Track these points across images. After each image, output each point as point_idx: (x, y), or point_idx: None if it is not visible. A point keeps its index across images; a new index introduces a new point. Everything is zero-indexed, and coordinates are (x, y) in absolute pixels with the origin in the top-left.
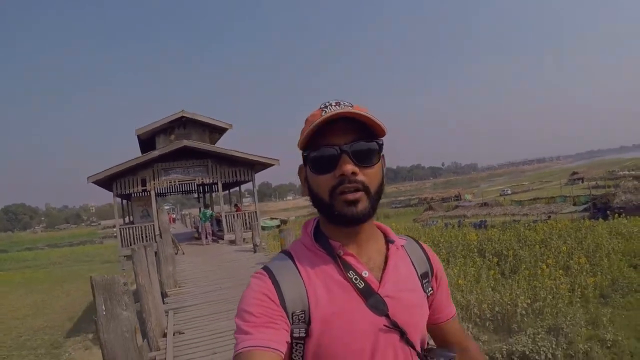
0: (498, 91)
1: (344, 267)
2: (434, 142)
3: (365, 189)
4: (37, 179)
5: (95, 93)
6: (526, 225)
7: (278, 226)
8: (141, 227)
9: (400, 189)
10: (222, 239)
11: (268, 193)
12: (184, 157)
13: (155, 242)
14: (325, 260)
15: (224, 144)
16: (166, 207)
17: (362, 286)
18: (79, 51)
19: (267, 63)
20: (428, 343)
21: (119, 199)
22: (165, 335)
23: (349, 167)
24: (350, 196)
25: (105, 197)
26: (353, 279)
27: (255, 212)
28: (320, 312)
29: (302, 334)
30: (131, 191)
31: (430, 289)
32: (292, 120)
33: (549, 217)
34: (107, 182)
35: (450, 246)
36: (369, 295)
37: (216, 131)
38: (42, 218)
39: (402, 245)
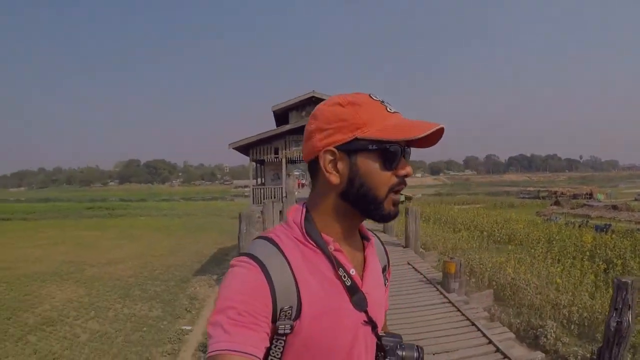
0: None
1: (336, 264)
2: (575, 131)
3: None
4: (178, 138)
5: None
6: None
7: (402, 202)
8: (271, 189)
9: (532, 178)
10: None
11: None
12: None
13: (282, 202)
14: (316, 255)
15: None
16: (296, 173)
17: (349, 284)
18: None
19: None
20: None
21: (254, 163)
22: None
23: (410, 170)
24: (399, 196)
25: (239, 159)
26: (342, 276)
27: None
28: (311, 309)
29: (287, 331)
30: (265, 157)
31: (385, 281)
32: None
33: None
34: (244, 148)
35: (563, 245)
36: (354, 293)
37: None
38: (180, 174)
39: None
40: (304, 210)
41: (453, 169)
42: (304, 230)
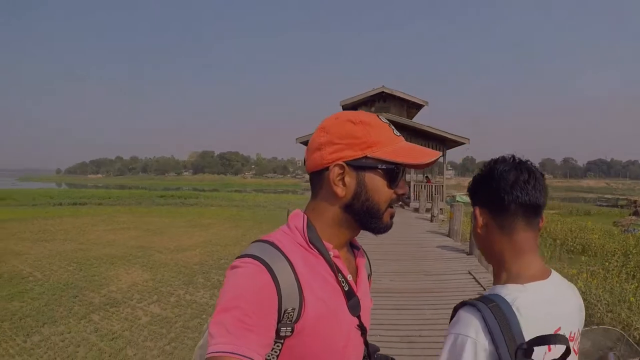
0: None
1: (336, 269)
2: None
3: None
4: (252, 131)
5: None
6: None
7: None
8: None
9: (611, 185)
10: (408, 205)
11: (471, 169)
12: None
13: None
14: (318, 260)
15: (420, 120)
16: None
17: (347, 289)
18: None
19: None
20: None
21: None
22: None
23: (407, 189)
24: (394, 211)
25: None
26: (341, 282)
27: (442, 185)
28: (313, 311)
29: (288, 333)
30: None
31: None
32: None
33: None
34: None
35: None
36: (350, 297)
37: (413, 107)
38: (252, 166)
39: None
40: (305, 217)
41: None
42: (306, 235)
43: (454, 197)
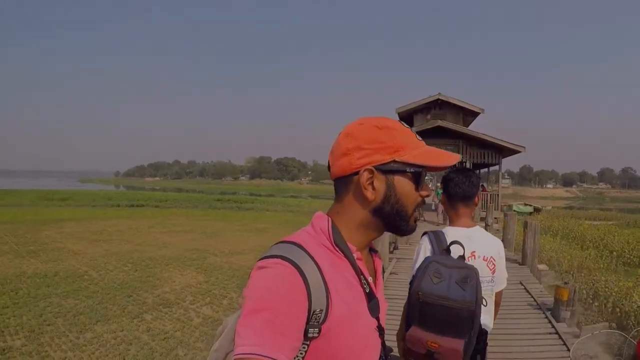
0: None
1: (359, 271)
2: None
3: None
4: (310, 137)
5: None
6: None
7: (530, 213)
8: None
9: None
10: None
11: (528, 178)
12: (438, 135)
13: None
14: (342, 262)
15: (475, 127)
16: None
17: (368, 291)
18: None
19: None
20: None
21: None
22: (384, 271)
23: (430, 191)
24: (417, 214)
25: None
26: (363, 284)
27: (497, 194)
28: (338, 313)
29: (315, 334)
30: None
31: None
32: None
33: None
34: None
35: None
36: (370, 299)
37: (469, 114)
38: (309, 172)
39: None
40: (330, 219)
41: (587, 181)
42: (331, 237)
43: (510, 206)
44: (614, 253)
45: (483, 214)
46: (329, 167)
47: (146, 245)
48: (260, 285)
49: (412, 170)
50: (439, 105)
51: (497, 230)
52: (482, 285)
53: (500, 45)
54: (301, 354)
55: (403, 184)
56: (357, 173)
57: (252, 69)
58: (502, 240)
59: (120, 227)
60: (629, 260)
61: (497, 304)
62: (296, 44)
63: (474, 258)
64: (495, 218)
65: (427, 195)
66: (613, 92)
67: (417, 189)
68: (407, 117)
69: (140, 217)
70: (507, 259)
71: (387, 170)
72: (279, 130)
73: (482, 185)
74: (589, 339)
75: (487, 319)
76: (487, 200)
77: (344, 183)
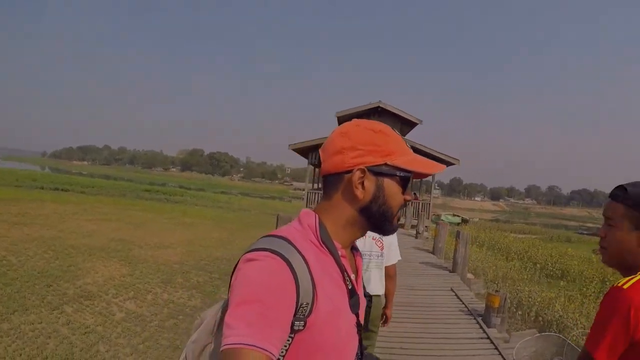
0: None
1: (343, 268)
2: None
3: None
4: (245, 133)
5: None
6: None
7: (458, 224)
8: None
9: (593, 214)
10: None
11: (458, 189)
12: None
13: None
14: (327, 258)
15: (413, 138)
16: None
17: (350, 287)
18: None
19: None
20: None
21: (311, 167)
22: None
23: (412, 195)
24: (400, 214)
25: (301, 161)
26: (347, 280)
27: (429, 203)
28: (323, 307)
29: (301, 327)
30: None
31: None
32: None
33: None
34: (304, 151)
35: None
36: (352, 295)
37: (407, 124)
38: (241, 169)
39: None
40: (317, 216)
41: (514, 196)
42: (318, 234)
43: (439, 216)
44: (538, 265)
45: (414, 222)
46: (319, 163)
47: (69, 232)
48: (250, 277)
49: (401, 174)
50: (379, 113)
51: (427, 238)
52: (372, 258)
53: (434, 56)
54: (285, 346)
55: (391, 187)
56: (348, 172)
57: (197, 59)
58: (433, 248)
59: (44, 210)
60: (551, 273)
61: (393, 276)
62: (243, 36)
63: (366, 237)
64: (426, 227)
65: (410, 200)
66: (544, 114)
67: (402, 192)
68: (347, 121)
69: (66, 202)
70: (440, 266)
71: (378, 172)
72: (214, 123)
73: (415, 194)
74: (529, 342)
75: (377, 285)
76: (418, 209)
77: (334, 180)
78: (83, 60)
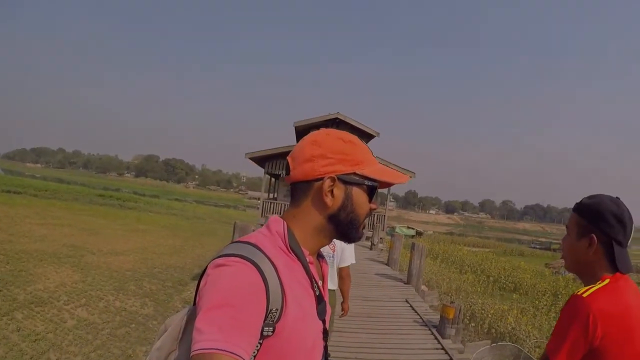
0: None
1: (311, 275)
2: (600, 187)
3: None
4: (201, 140)
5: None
6: None
7: (413, 236)
8: (282, 204)
9: (546, 229)
10: None
11: (413, 202)
12: None
13: None
14: (296, 265)
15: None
16: None
17: (318, 294)
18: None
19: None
20: None
21: (268, 176)
22: None
23: (377, 205)
24: (365, 223)
25: (257, 170)
26: (315, 287)
27: (384, 215)
28: (291, 313)
29: (269, 333)
30: (280, 172)
31: None
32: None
33: None
34: (261, 160)
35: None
36: (319, 302)
37: (364, 136)
38: (197, 176)
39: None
40: (285, 223)
41: (468, 210)
42: (287, 240)
43: (393, 228)
44: (491, 278)
45: (369, 234)
46: (287, 170)
47: (20, 236)
48: (220, 282)
49: (369, 183)
50: (336, 124)
51: (382, 249)
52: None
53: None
54: (254, 353)
55: (359, 195)
56: (318, 180)
57: (156, 63)
58: (388, 260)
59: None
60: (504, 286)
61: (346, 276)
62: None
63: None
64: (381, 238)
65: (375, 209)
66: (497, 130)
67: (369, 201)
68: (305, 132)
69: (17, 206)
70: (394, 278)
71: (347, 180)
72: (171, 130)
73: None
74: (485, 351)
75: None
76: (373, 221)
77: (303, 188)
78: (36, 59)
